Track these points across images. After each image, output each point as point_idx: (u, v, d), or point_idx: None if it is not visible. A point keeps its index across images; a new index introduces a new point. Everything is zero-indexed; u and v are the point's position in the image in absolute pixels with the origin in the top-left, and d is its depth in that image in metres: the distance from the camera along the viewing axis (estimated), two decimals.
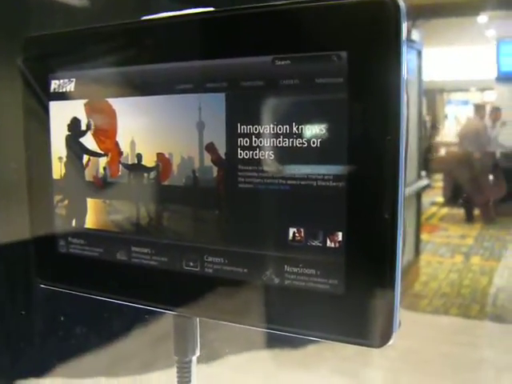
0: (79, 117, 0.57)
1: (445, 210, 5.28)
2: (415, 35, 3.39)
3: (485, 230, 4.60)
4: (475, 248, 4.17)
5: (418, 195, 3.43)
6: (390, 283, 0.44)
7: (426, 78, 3.81)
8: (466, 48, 4.90)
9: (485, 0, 3.25)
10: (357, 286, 0.46)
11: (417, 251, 3.45)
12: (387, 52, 0.42)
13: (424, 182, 3.54)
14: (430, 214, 5.18)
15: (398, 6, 0.42)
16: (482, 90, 5.51)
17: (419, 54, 3.47)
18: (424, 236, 4.01)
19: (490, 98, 5.73)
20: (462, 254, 4.00)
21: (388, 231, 0.44)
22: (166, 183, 0.52)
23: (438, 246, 4.19)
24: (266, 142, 0.47)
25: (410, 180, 3.03)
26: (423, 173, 3.54)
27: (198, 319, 0.56)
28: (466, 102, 6.27)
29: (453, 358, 2.17)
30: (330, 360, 1.83)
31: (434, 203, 5.44)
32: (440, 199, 5.50)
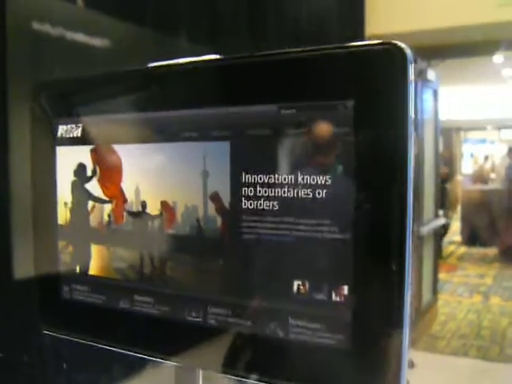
0: (85, 163, 0.56)
1: (462, 249, 5.21)
2: (431, 75, 3.39)
3: (504, 269, 4.53)
4: (494, 287, 4.10)
5: (435, 234, 3.39)
6: (397, 339, 0.43)
7: (442, 117, 3.81)
8: (482, 87, 4.90)
9: (500, 40, 3.25)
10: (363, 342, 0.44)
11: (434, 291, 3.39)
12: (394, 100, 0.41)
13: (441, 220, 3.51)
14: (447, 252, 5.12)
15: (404, 54, 0.41)
16: (499, 128, 5.49)
17: (435, 93, 3.47)
18: (442, 275, 3.95)
19: (507, 136, 5.71)
20: (481, 294, 3.93)
21: (396, 284, 0.42)
22: (169, 232, 0.51)
23: (457, 285, 4.12)
24: (271, 192, 0.46)
25: (427, 219, 2.99)
26: (440, 212, 3.51)
27: (200, 371, 0.55)
28: (482, 141, 6.24)
29: None
30: None
31: (451, 242, 5.38)
32: (458, 238, 5.44)
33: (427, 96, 3.30)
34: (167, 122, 0.51)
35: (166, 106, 0.51)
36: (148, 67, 0.51)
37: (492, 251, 4.96)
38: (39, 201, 0.60)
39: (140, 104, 0.53)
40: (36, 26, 1.31)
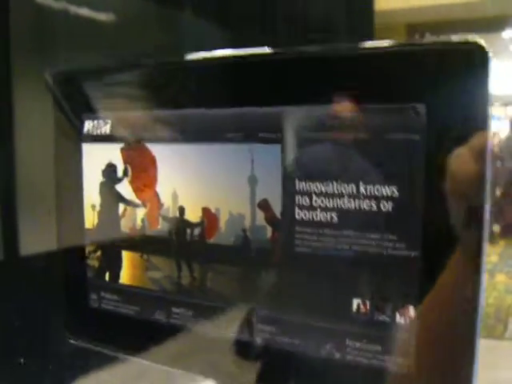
0: (115, 162, 0.52)
1: None
2: None
3: (509, 246, 4.51)
4: (499, 265, 4.08)
5: None
6: (467, 363, 0.39)
7: None
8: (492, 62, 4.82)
9: (509, 15, 3.20)
10: (429, 367, 0.40)
11: None
12: (472, 106, 0.37)
13: None
14: None
15: (486, 55, 0.36)
16: (506, 104, 5.42)
17: None
18: None
19: None
20: (486, 272, 3.91)
21: (468, 307, 0.38)
22: (211, 241, 0.47)
23: None
24: (329, 202, 0.41)
25: None
26: None
27: None
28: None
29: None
30: None
31: None
32: None
33: None
34: (210, 121, 0.46)
35: (208, 102, 0.46)
36: (188, 58, 0.46)
37: (496, 228, 4.94)
38: (64, 202, 0.56)
39: (178, 100, 0.48)
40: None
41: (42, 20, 1.31)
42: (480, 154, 0.37)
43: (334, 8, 2.55)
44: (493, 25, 3.42)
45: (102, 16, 1.48)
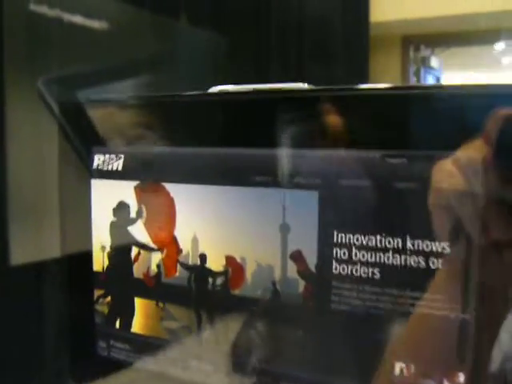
0: (128, 201, 0.48)
1: None
2: (434, 62, 3.34)
3: None
4: None
5: None
6: None
7: None
8: (482, 74, 4.83)
9: (503, 28, 3.19)
10: None
11: None
12: None
13: None
14: None
15: None
16: None
17: (438, 80, 3.44)
18: None
19: None
20: None
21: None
22: (236, 292, 0.43)
23: None
24: (371, 257, 0.38)
25: None
26: None
27: None
28: None
29: None
30: None
31: None
32: None
33: (430, 82, 3.27)
34: (235, 161, 0.42)
35: (236, 141, 0.42)
36: (211, 92, 0.42)
37: None
38: (70, 241, 0.52)
39: (200, 136, 0.44)
40: (33, 7, 1.26)
41: (35, 28, 1.28)
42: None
43: (330, 20, 2.53)
44: (485, 38, 3.42)
45: (96, 24, 1.45)
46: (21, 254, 1.18)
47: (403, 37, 3.07)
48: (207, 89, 0.43)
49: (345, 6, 2.63)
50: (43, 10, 1.29)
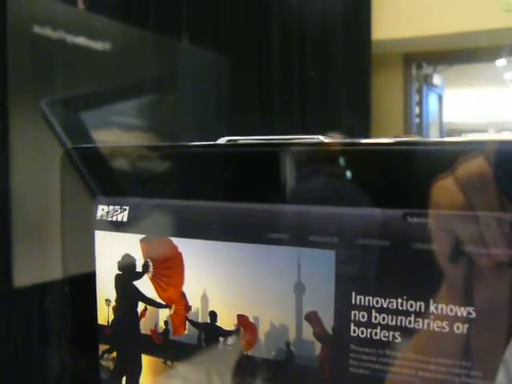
0: (133, 255, 0.46)
1: None
2: (437, 80, 3.33)
3: None
4: None
5: None
6: None
7: (446, 119, 3.77)
8: (485, 90, 4.82)
9: (504, 45, 3.19)
10: None
11: None
12: None
13: None
14: None
15: None
16: (500, 131, 5.40)
17: (440, 97, 3.44)
18: None
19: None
20: None
21: None
22: (248, 353, 0.41)
23: None
24: (391, 320, 0.36)
25: None
26: None
27: None
28: None
29: None
30: None
31: None
32: None
33: (432, 100, 3.26)
34: (248, 217, 0.40)
35: (246, 196, 0.40)
36: (224, 143, 0.41)
37: None
38: (73, 293, 0.50)
39: (211, 190, 0.42)
40: (37, 29, 1.26)
41: (39, 49, 1.28)
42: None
43: (331, 38, 2.53)
44: (487, 54, 3.41)
45: (99, 45, 1.45)
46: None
47: (405, 55, 3.06)
48: (216, 139, 0.42)
49: (346, 24, 2.64)
50: (47, 32, 1.29)
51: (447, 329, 0.34)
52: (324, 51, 2.59)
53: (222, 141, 0.41)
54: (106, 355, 0.48)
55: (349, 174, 0.36)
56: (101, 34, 1.44)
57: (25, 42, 1.24)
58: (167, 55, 1.83)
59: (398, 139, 0.36)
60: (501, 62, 3.95)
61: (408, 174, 0.35)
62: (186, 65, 1.88)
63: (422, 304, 0.35)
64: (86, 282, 0.48)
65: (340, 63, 2.65)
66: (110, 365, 0.48)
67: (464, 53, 3.22)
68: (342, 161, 0.36)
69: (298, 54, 2.44)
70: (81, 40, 1.39)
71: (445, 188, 0.33)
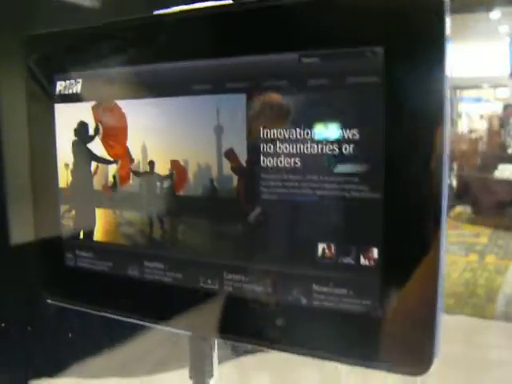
0: (87, 121, 0.52)
1: (458, 209, 5.20)
2: None
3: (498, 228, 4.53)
4: (490, 247, 4.11)
5: None
6: (430, 305, 0.40)
7: None
8: (479, 44, 4.82)
9: None
10: (393, 308, 0.41)
11: None
12: (430, 48, 0.37)
13: None
14: None
15: None
16: (495, 86, 5.42)
17: None
18: None
19: (503, 95, 5.66)
20: (477, 253, 3.95)
21: (430, 247, 0.39)
22: (181, 193, 0.48)
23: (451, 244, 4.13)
24: (293, 148, 0.42)
25: None
26: None
27: (215, 340, 0.52)
28: (478, 100, 6.18)
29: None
30: None
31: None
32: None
33: None
34: (176, 75, 0.47)
35: (174, 57, 0.47)
36: (153, 15, 0.47)
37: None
38: (38, 163, 0.56)
39: (146, 55, 0.48)
40: None
41: (24, 5, 1.31)
42: None
43: None
44: (480, 5, 3.42)
45: (87, 1, 1.48)
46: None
47: None
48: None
49: None
50: None
51: (337, 151, 0.41)
52: None
53: (157, 12, 0.48)
54: (66, 214, 0.55)
55: (251, 28, 0.43)
56: None
57: None
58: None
59: None
60: (495, 15, 3.94)
61: (300, 20, 0.42)
62: None
63: (316, 131, 0.41)
64: (48, 151, 0.55)
65: None
66: (70, 223, 0.55)
67: (456, 2, 3.23)
68: (244, 17, 0.43)
69: None
70: None
71: None
